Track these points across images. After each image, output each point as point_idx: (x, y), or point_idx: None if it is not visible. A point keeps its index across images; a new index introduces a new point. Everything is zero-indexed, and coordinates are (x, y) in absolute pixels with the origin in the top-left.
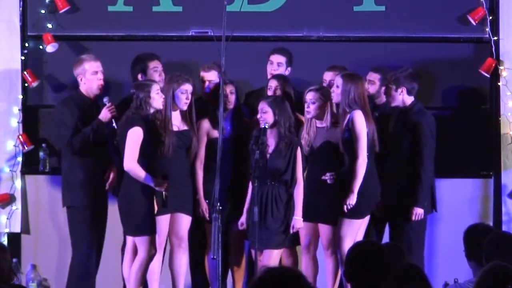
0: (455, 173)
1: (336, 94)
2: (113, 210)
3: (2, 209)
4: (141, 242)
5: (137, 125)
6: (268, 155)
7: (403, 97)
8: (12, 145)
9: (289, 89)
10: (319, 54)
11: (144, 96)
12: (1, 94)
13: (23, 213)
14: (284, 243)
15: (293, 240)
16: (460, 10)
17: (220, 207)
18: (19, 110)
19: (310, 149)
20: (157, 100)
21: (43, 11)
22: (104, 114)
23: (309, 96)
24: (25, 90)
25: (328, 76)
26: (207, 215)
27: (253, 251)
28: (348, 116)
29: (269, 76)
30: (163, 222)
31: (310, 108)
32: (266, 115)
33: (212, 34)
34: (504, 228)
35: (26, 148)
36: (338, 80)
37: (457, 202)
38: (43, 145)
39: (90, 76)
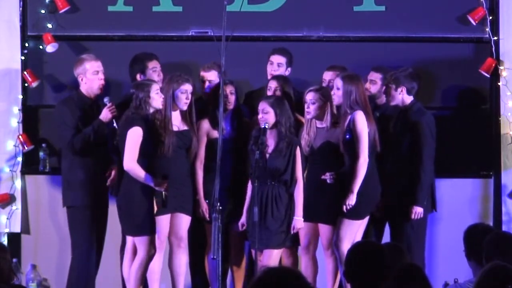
0: (455, 173)
1: (337, 96)
2: (113, 210)
3: (2, 209)
4: (141, 242)
5: (137, 125)
6: (267, 155)
7: (402, 97)
8: (12, 145)
9: (289, 90)
10: (319, 54)
11: (144, 96)
12: (1, 94)
13: (23, 213)
14: (284, 243)
15: (293, 240)
16: (460, 10)
17: (220, 207)
18: (19, 110)
19: (310, 149)
20: (156, 100)
21: (43, 11)
22: (105, 114)
23: (309, 96)
24: (25, 90)
25: (328, 76)
26: (207, 216)
27: (253, 251)
28: (349, 116)
29: (269, 77)
30: (163, 222)
31: (310, 109)
32: (267, 115)
33: (212, 34)
34: (504, 228)
35: (26, 148)
36: (338, 82)
37: (457, 202)
38: (43, 145)
39: (91, 76)
